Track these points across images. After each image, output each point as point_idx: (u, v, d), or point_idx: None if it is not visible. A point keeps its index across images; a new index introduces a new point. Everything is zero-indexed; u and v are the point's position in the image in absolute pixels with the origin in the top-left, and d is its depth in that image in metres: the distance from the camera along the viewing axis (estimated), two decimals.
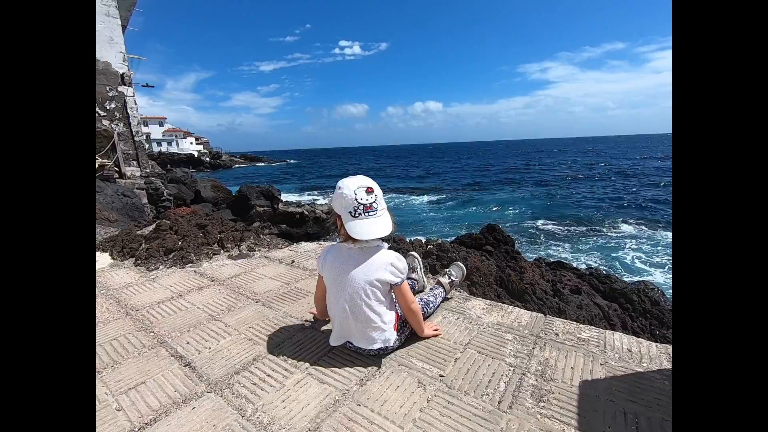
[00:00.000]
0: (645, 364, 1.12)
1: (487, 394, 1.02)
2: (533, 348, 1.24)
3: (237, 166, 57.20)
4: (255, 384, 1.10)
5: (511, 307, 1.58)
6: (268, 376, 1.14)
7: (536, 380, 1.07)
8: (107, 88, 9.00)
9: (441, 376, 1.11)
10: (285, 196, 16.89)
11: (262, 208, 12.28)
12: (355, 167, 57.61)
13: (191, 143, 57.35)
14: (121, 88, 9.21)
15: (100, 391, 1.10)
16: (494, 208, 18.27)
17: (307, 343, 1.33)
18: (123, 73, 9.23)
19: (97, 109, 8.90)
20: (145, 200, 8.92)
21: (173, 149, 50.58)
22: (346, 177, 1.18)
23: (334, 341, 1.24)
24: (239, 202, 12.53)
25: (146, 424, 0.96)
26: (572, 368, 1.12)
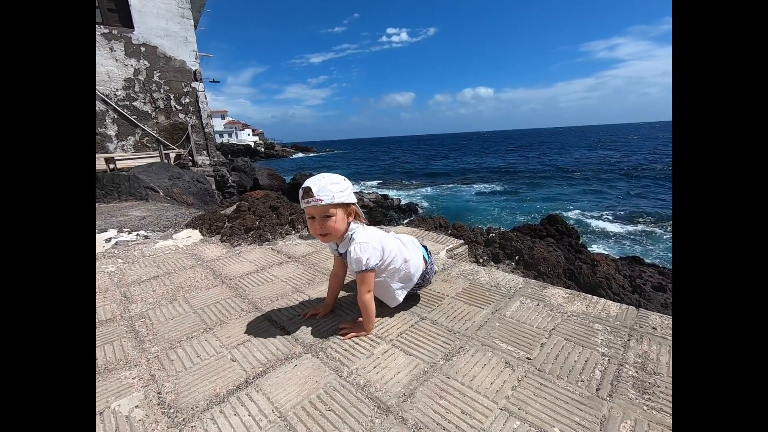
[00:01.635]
0: None
1: (582, 381, 0.99)
2: (628, 340, 1.17)
3: (289, 156, 60.16)
4: (346, 350, 1.19)
5: (595, 297, 1.49)
6: (357, 344, 1.22)
7: (636, 372, 1.01)
8: (182, 84, 9.94)
9: (528, 358, 1.10)
10: None
11: None
12: (399, 157, 57.42)
13: (248, 134, 61.40)
14: (193, 84, 10.12)
15: (215, 344, 1.26)
16: (550, 199, 17.11)
17: (387, 317, 1.39)
18: (195, 70, 10.12)
19: (173, 103, 9.90)
20: (213, 186, 9.83)
21: (233, 140, 54.61)
22: (333, 174, 1.25)
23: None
24: (294, 190, 13.25)
25: (258, 374, 1.09)
26: None
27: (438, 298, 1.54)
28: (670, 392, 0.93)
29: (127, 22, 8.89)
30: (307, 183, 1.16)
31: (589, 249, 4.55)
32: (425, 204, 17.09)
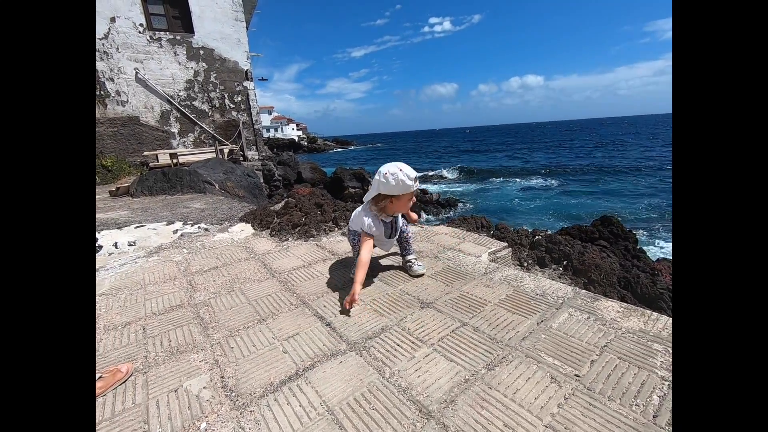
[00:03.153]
0: None
1: (636, 405, 0.94)
2: None
3: (330, 150, 61.78)
4: (388, 351, 1.23)
5: (655, 313, 1.38)
6: (398, 345, 1.26)
7: None
8: (235, 84, 10.61)
9: (577, 375, 1.06)
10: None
11: (354, 189, 13.14)
12: (440, 150, 56.31)
13: (293, 129, 63.92)
14: (245, 83, 10.75)
15: (268, 335, 1.37)
16: (605, 198, 15.80)
17: (428, 321, 1.41)
18: (247, 70, 10.73)
19: (227, 101, 10.61)
20: (261, 180, 10.44)
21: (279, 135, 57.24)
22: (398, 163, 1.61)
23: None
24: (334, 183, 13.62)
25: (307, 367, 1.17)
26: None
27: (480, 304, 1.52)
28: None
29: (189, 27, 9.65)
30: (416, 175, 1.62)
31: (648, 255, 4.16)
32: (465, 200, 16.66)
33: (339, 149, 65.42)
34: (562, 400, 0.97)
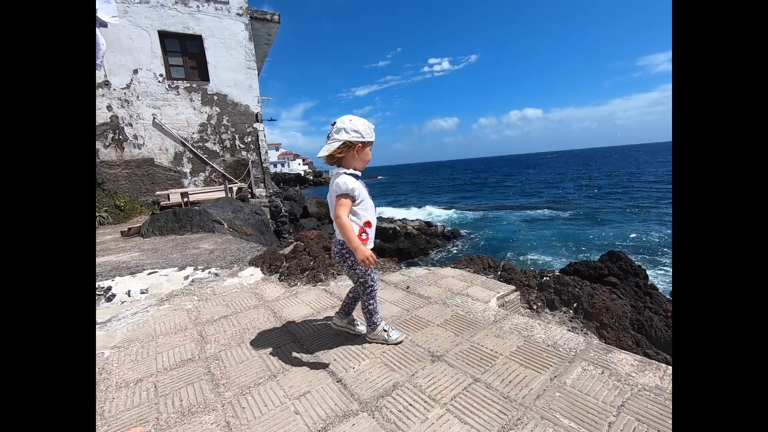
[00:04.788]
0: None
1: None
2: None
3: None
4: (400, 411, 1.22)
5: (671, 368, 1.36)
6: (410, 405, 1.24)
7: None
8: (246, 126, 11.15)
9: None
10: (377, 212, 17.91)
11: None
12: (443, 182, 57.18)
13: (299, 164, 65.85)
14: (255, 125, 11.30)
15: (279, 393, 1.37)
16: (610, 230, 15.71)
17: (440, 376, 1.40)
18: (257, 113, 11.32)
19: (237, 142, 11.09)
20: (268, 216, 10.62)
21: (285, 170, 58.87)
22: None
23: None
24: None
25: (319, 430, 1.16)
26: None
27: (491, 357, 1.51)
28: None
29: (204, 76, 10.36)
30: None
31: (660, 292, 4.09)
32: (469, 231, 16.65)
33: None
34: None
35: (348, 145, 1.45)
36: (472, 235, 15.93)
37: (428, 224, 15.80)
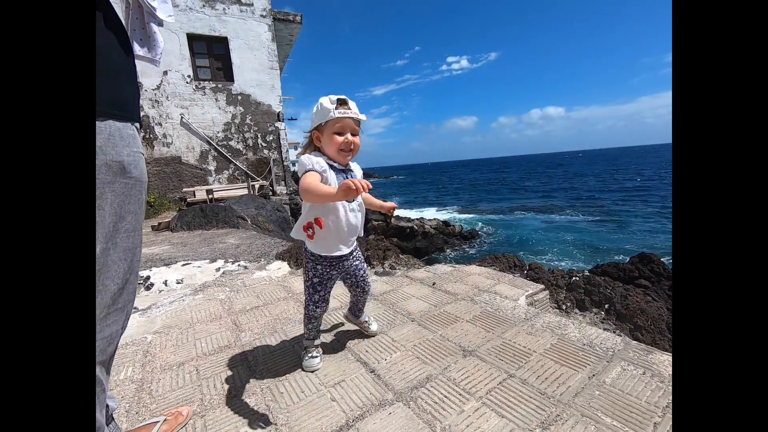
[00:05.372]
0: None
1: None
2: None
3: None
4: (436, 402, 1.23)
5: None
6: (446, 397, 1.25)
7: None
8: (268, 125, 11.40)
9: None
10: (396, 211, 17.94)
11: (377, 222, 13.30)
12: (462, 182, 56.50)
13: None
14: (277, 124, 11.54)
15: (315, 381, 1.40)
16: (637, 233, 15.09)
17: (473, 370, 1.40)
18: (279, 112, 11.56)
19: (260, 141, 11.35)
20: (288, 213, 10.83)
21: None
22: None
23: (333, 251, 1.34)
24: None
25: (356, 417, 1.18)
26: None
27: (524, 353, 1.49)
28: None
29: (229, 77, 10.67)
30: (338, 96, 1.19)
31: None
32: (487, 232, 16.39)
33: None
34: None
35: (311, 139, 1.27)
36: (490, 236, 15.68)
37: (446, 224, 15.68)
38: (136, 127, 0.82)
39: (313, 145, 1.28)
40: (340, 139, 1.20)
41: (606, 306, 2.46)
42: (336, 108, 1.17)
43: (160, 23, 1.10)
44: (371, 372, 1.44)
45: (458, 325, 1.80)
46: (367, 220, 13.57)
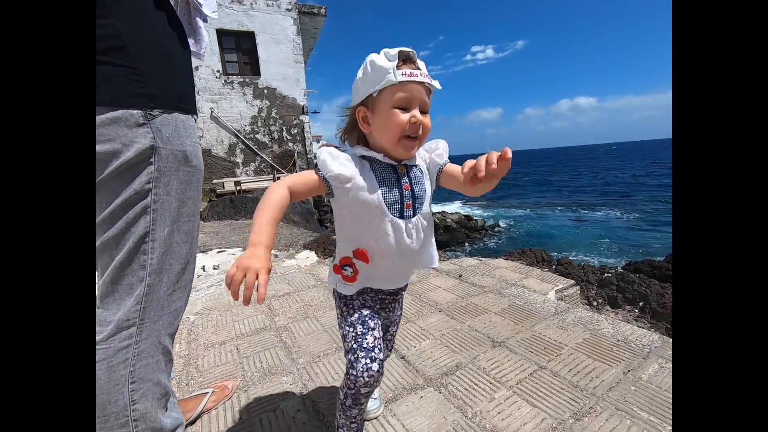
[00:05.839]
0: None
1: None
2: None
3: None
4: (466, 389, 1.25)
5: None
6: (476, 385, 1.27)
7: None
8: (293, 118, 11.61)
9: None
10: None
11: None
12: None
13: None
14: (301, 117, 11.72)
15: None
16: (666, 226, 14.27)
17: (503, 361, 1.41)
18: (303, 105, 11.73)
19: (284, 134, 11.59)
20: (312, 206, 11.06)
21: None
22: None
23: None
24: None
25: (389, 399, 1.23)
26: None
27: (556, 346, 1.49)
28: None
29: (256, 71, 10.92)
30: (400, 49, 0.73)
31: None
32: (513, 226, 16.02)
33: None
34: None
35: (352, 121, 0.83)
36: (514, 231, 15.33)
37: (468, 218, 15.47)
38: (194, 119, 0.88)
39: (356, 131, 0.82)
40: (403, 117, 0.72)
41: (641, 304, 2.38)
42: (398, 67, 0.71)
43: (205, 19, 1.16)
44: (401, 358, 1.48)
45: (486, 317, 1.81)
46: None
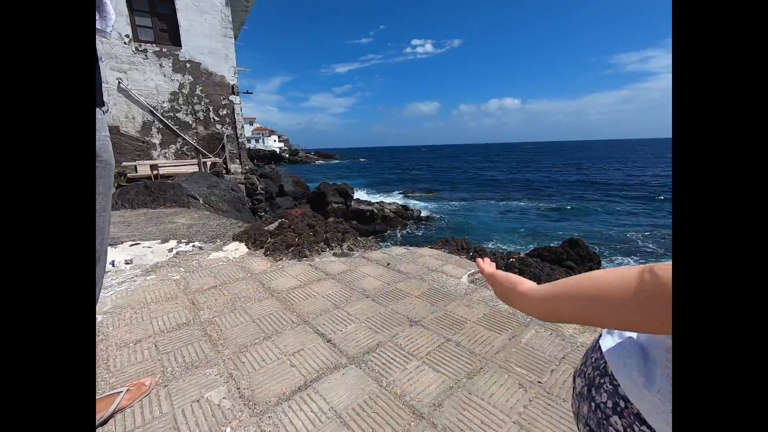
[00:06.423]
0: None
1: None
2: None
3: (312, 162, 61.79)
4: (384, 364, 1.42)
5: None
6: (392, 359, 1.45)
7: None
8: (221, 98, 10.66)
9: (539, 382, 1.30)
10: (356, 194, 17.97)
11: (336, 204, 13.28)
12: (425, 167, 57.59)
13: (274, 141, 63.48)
14: (231, 97, 10.83)
15: (275, 351, 1.53)
16: (575, 218, 16.76)
17: (417, 337, 1.62)
18: (233, 85, 10.83)
19: (212, 114, 10.61)
20: (244, 194, 10.41)
21: (260, 146, 56.67)
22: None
23: None
24: (317, 198, 13.73)
25: (313, 379, 1.34)
26: None
27: (461, 322, 1.75)
28: None
29: (176, 41, 9.71)
30: None
31: None
32: (446, 217, 17.16)
33: (321, 162, 65.59)
34: (528, 402, 1.20)
35: None
36: (446, 220, 16.44)
37: (405, 208, 16.11)
38: (102, 111, 0.85)
39: None
40: None
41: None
42: None
43: None
44: (328, 341, 1.60)
45: (408, 300, 2.02)
46: (326, 203, 13.47)
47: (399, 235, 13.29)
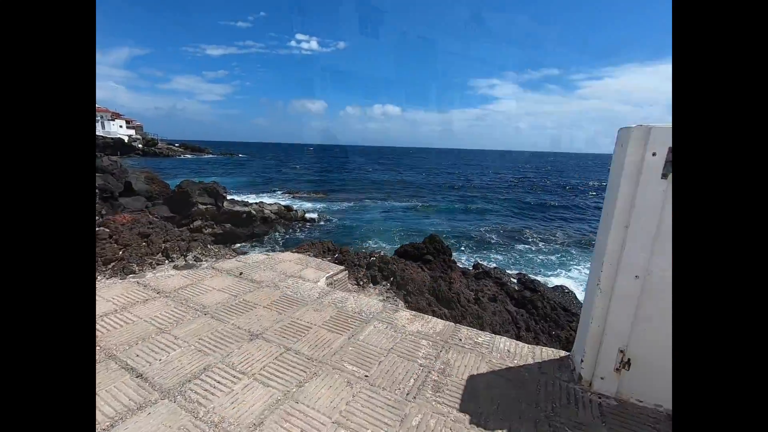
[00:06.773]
0: (516, 362, 1.53)
1: (399, 389, 1.33)
2: (440, 351, 1.59)
3: (177, 156, 52.60)
4: (206, 390, 1.28)
5: (430, 316, 1.93)
6: (218, 382, 1.32)
7: (437, 376, 1.41)
8: None
9: (366, 376, 1.39)
10: (232, 195, 16.15)
11: (204, 206, 11.62)
12: (308, 166, 56.34)
13: (120, 126, 51.33)
14: None
15: None
16: (444, 216, 19.33)
17: (254, 352, 1.52)
18: None
19: None
20: None
21: (99, 132, 44.83)
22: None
23: None
24: (179, 198, 11.71)
25: (103, 430, 1.09)
26: (465, 366, 1.48)
27: (306, 328, 1.74)
28: (454, 388, 1.34)
29: None
30: None
31: (458, 264, 5.44)
32: (333, 218, 17.23)
33: (189, 156, 56.32)
34: (351, 398, 1.27)
35: None
36: (333, 222, 16.53)
37: (287, 208, 15.42)
38: None
39: None
40: None
41: (391, 279, 3.11)
42: None
43: None
44: (138, 376, 1.34)
45: (253, 312, 1.89)
46: (190, 204, 11.65)
47: (280, 238, 12.62)
